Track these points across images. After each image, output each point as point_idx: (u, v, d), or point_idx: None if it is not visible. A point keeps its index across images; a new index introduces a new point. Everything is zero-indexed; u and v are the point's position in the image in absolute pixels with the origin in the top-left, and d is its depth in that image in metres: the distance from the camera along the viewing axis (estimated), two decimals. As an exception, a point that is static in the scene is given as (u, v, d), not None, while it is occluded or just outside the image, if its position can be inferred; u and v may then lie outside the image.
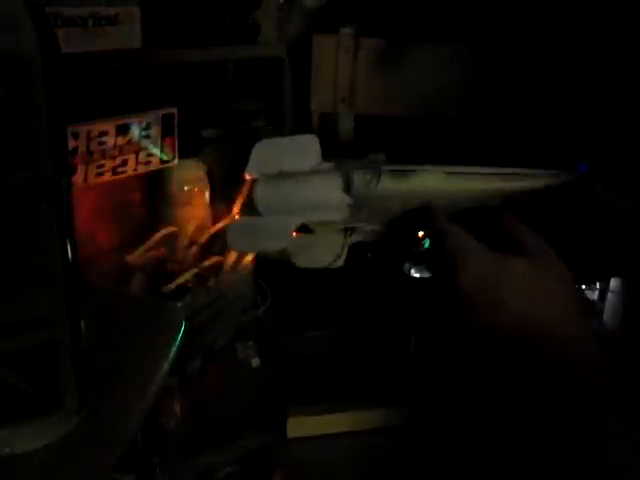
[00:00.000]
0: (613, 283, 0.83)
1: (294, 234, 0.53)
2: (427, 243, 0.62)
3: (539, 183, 0.52)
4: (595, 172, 0.57)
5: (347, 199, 0.52)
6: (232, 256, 0.91)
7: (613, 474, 0.39)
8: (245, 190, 0.93)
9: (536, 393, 0.44)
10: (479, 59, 1.07)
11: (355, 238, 0.56)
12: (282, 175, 0.53)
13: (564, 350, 0.44)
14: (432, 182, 0.52)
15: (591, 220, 0.51)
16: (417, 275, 0.75)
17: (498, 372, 0.47)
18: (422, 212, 0.52)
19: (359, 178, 0.51)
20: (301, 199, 0.52)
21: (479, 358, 0.49)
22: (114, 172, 0.89)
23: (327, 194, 0.52)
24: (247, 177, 0.53)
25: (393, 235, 0.55)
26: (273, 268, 0.98)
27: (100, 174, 0.87)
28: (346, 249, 0.56)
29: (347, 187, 0.51)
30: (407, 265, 0.80)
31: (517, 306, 0.46)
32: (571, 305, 0.47)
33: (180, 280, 0.84)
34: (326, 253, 0.55)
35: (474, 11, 1.05)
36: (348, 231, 0.55)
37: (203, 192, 1.01)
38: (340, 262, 0.56)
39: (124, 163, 0.90)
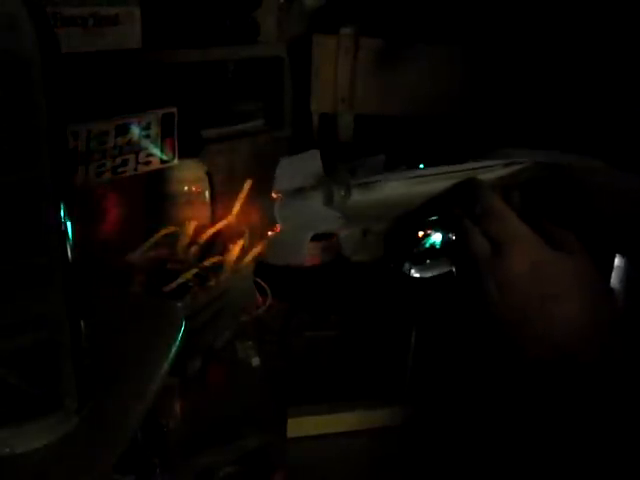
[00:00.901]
0: (614, 273, 0.83)
1: (344, 232, 0.57)
2: (428, 243, 0.62)
3: (502, 173, 0.52)
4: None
5: (335, 211, 0.55)
6: (232, 256, 0.91)
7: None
8: (245, 192, 0.94)
9: (564, 395, 0.44)
10: (479, 59, 1.07)
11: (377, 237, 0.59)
12: (292, 192, 0.57)
13: (598, 364, 0.43)
14: (399, 189, 0.53)
15: (573, 201, 0.51)
16: (417, 275, 0.75)
17: (528, 367, 0.45)
18: (468, 186, 0.50)
19: (336, 193, 0.54)
20: (304, 214, 0.56)
21: (510, 351, 0.46)
22: (114, 172, 0.89)
23: (321, 207, 0.55)
24: (274, 196, 0.57)
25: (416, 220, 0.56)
26: (273, 268, 0.98)
27: (100, 174, 0.87)
28: (376, 245, 0.59)
29: (329, 201, 0.54)
30: (407, 265, 0.80)
31: (568, 305, 0.44)
32: (608, 314, 0.45)
33: (180, 280, 0.84)
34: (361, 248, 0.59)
35: (473, 11, 1.05)
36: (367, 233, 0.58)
37: (203, 192, 1.01)
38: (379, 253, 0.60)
39: (124, 163, 0.90)
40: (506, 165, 0.52)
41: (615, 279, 0.80)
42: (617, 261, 0.77)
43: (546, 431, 0.46)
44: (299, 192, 0.56)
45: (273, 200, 0.57)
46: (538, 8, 0.98)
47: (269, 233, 0.59)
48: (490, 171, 0.52)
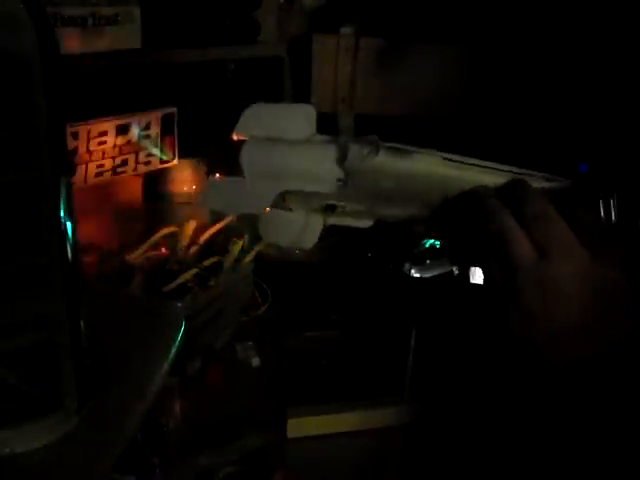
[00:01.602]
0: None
1: (267, 209, 0.50)
2: (428, 243, 0.62)
3: (544, 185, 0.51)
4: (595, 172, 0.57)
5: (338, 172, 0.49)
6: (232, 256, 0.91)
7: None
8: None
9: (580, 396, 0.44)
10: (479, 59, 1.07)
11: (335, 220, 0.53)
12: (273, 140, 0.50)
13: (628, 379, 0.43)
14: (428, 165, 0.49)
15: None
16: (417, 275, 0.74)
17: (548, 369, 0.45)
18: (518, 187, 0.48)
19: (356, 150, 0.49)
20: (290, 166, 0.50)
21: (530, 355, 0.46)
22: (114, 172, 0.89)
23: (318, 164, 0.50)
24: (235, 137, 0.50)
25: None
26: (273, 268, 0.98)
27: (100, 174, 0.87)
28: (310, 232, 0.52)
29: (342, 158, 0.49)
30: (407, 265, 0.80)
31: (603, 321, 0.44)
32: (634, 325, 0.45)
33: (180, 280, 0.84)
34: (303, 233, 0.52)
35: (474, 11, 1.05)
36: (328, 210, 0.52)
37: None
38: (309, 244, 0.52)
39: (124, 163, 0.90)
40: (546, 179, 0.50)
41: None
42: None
43: (559, 432, 0.45)
44: (279, 142, 0.50)
45: (234, 142, 0.50)
46: (540, 8, 0.98)
47: (209, 178, 0.53)
48: (533, 180, 0.49)
